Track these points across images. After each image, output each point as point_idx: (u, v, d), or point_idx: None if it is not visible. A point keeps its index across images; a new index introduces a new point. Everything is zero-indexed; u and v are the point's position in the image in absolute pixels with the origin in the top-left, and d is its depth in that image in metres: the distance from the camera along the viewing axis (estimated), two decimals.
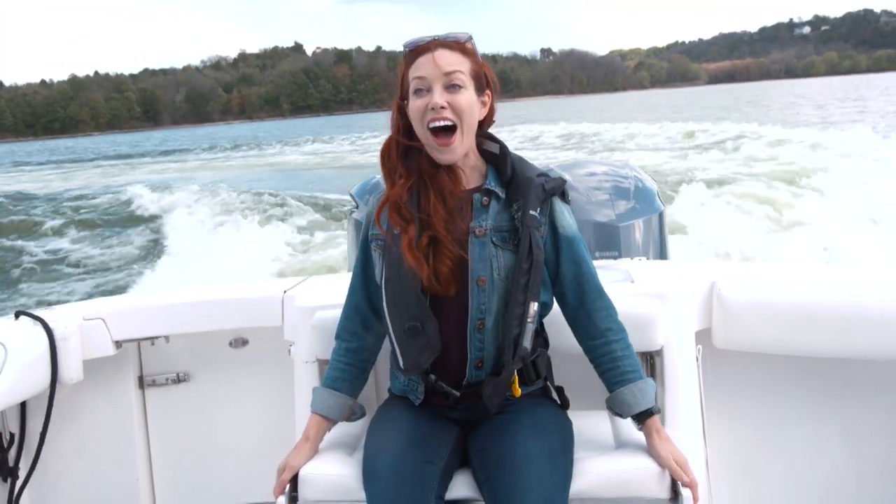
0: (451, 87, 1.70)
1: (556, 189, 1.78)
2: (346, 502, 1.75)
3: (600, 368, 1.81)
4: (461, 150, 1.73)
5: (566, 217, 1.80)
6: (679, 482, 1.71)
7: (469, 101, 1.71)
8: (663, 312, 2.08)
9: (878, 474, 2.36)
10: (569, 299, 1.81)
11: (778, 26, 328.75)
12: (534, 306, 1.71)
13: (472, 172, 1.79)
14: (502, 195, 1.77)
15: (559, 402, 1.91)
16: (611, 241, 3.37)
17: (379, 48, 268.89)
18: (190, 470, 2.77)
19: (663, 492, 1.74)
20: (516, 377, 1.74)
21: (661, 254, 3.56)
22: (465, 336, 1.74)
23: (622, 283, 2.23)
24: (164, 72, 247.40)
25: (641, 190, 3.62)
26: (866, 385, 2.36)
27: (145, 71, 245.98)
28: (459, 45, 1.74)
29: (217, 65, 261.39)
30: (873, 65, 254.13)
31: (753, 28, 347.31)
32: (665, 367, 2.12)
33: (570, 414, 1.90)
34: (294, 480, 1.78)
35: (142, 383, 2.72)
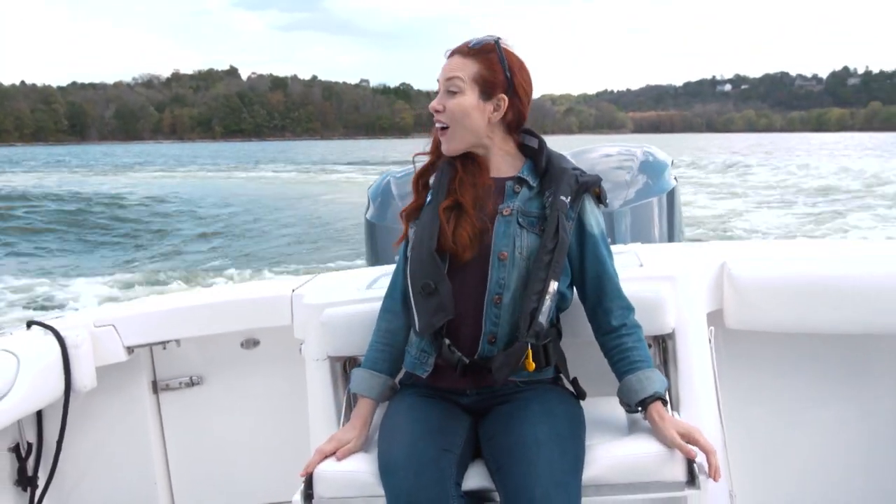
0: (448, 93, 1.84)
1: (590, 184, 1.86)
2: (363, 497, 1.74)
3: (612, 360, 1.87)
4: (455, 146, 1.87)
5: (595, 217, 1.88)
6: (696, 464, 1.69)
7: (461, 106, 1.82)
8: (674, 295, 2.06)
9: None
10: (588, 295, 1.89)
11: (701, 82, 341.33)
12: (553, 285, 1.77)
13: (506, 164, 1.91)
14: (534, 184, 1.87)
15: (574, 392, 1.94)
16: (613, 226, 3.41)
17: (315, 77, 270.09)
18: (207, 472, 2.80)
19: (679, 475, 1.71)
20: (530, 352, 1.77)
21: (672, 233, 3.62)
22: (480, 310, 1.80)
23: (631, 267, 2.22)
24: (93, 86, 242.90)
25: (651, 167, 3.69)
26: (883, 361, 2.34)
27: (73, 84, 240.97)
28: (470, 51, 1.84)
29: (149, 83, 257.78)
30: (787, 125, 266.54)
31: (679, 82, 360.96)
32: (678, 350, 2.10)
33: (585, 402, 1.92)
34: (309, 479, 1.77)
35: (155, 388, 2.74)
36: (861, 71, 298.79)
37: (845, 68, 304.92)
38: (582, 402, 1.91)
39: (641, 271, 2.19)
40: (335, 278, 2.69)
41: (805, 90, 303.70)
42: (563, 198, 1.81)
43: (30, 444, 2.49)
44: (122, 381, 2.63)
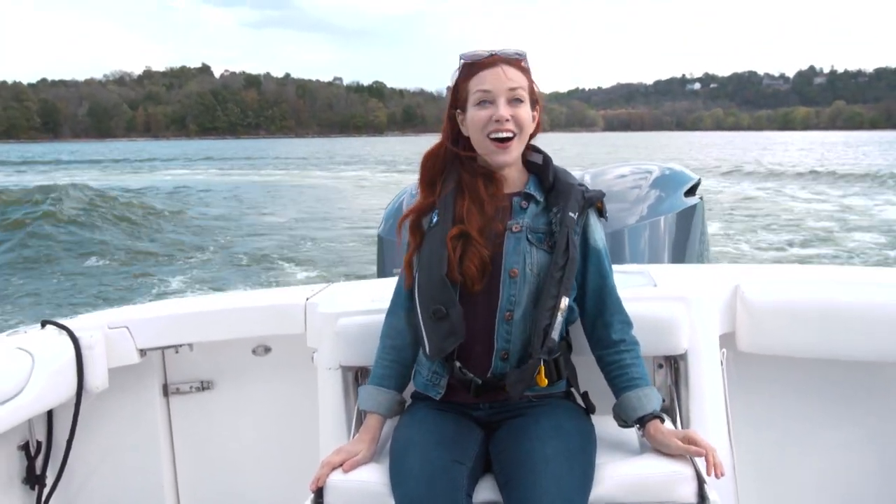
0: (514, 102, 1.83)
1: (594, 199, 1.89)
2: None
3: (609, 375, 1.87)
4: (515, 154, 1.87)
5: (598, 231, 1.90)
6: (705, 485, 1.68)
7: (528, 115, 1.85)
8: (687, 316, 2.05)
9: None
10: (588, 309, 1.89)
11: (671, 80, 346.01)
12: (565, 301, 1.78)
13: (513, 180, 1.91)
14: (541, 199, 1.88)
15: (584, 406, 1.93)
16: (614, 246, 3.30)
17: (288, 75, 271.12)
18: (214, 477, 2.79)
19: (689, 496, 1.69)
20: (542, 368, 1.79)
21: (682, 251, 3.57)
22: (492, 328, 1.80)
23: (645, 287, 2.23)
24: (64, 83, 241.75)
25: (663, 185, 3.64)
26: (892, 388, 2.33)
27: (44, 81, 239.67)
28: (519, 63, 1.87)
29: (121, 80, 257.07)
30: (754, 123, 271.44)
31: (649, 80, 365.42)
32: (689, 372, 2.09)
33: (595, 419, 1.91)
34: (319, 490, 1.76)
35: (166, 391, 2.73)
36: (827, 70, 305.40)
37: (811, 67, 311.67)
38: (593, 418, 1.91)
39: (655, 291, 2.19)
40: (349, 288, 2.70)
41: (772, 89, 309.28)
42: (571, 214, 1.82)
43: (39, 443, 2.51)
44: (133, 384, 2.64)
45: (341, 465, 1.79)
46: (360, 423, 2.07)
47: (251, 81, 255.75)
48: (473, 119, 1.84)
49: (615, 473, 1.72)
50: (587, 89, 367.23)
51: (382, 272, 3.71)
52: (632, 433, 1.91)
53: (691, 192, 3.65)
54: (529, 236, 1.82)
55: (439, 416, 1.85)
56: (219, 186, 33.16)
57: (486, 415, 1.86)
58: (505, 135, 1.82)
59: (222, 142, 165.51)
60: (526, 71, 1.88)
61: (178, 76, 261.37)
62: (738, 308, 2.25)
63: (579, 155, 60.12)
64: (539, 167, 1.93)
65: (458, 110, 1.90)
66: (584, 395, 1.94)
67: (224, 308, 2.62)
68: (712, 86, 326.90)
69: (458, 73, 1.91)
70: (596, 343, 1.90)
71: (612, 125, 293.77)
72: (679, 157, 50.80)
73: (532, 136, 1.90)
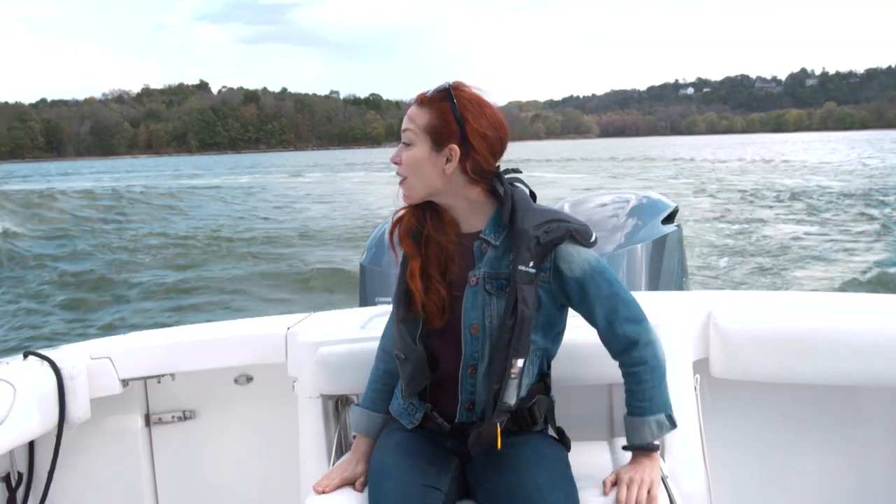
0: (404, 145, 1.80)
1: (558, 240, 1.74)
2: None
3: (626, 387, 1.80)
4: (415, 195, 1.81)
5: (574, 258, 1.76)
6: None
7: (413, 158, 1.77)
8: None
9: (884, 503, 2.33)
10: (601, 329, 1.80)
11: (665, 86, 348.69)
12: (519, 363, 1.71)
13: (472, 217, 1.83)
14: (497, 243, 1.78)
15: (560, 441, 1.90)
16: None
17: (285, 90, 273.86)
18: None
19: None
20: (499, 429, 1.74)
21: (658, 278, 3.58)
22: (458, 377, 1.79)
23: None
24: (65, 102, 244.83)
25: (639, 213, 3.69)
26: (869, 412, 2.34)
27: (43, 101, 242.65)
28: (424, 100, 1.78)
29: (120, 98, 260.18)
30: (747, 126, 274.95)
31: (643, 87, 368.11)
32: None
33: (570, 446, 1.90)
34: None
35: (148, 421, 2.70)
36: (818, 72, 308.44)
37: (803, 70, 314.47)
38: (566, 440, 1.91)
39: None
40: (330, 317, 2.67)
41: (765, 92, 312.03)
42: (522, 267, 1.71)
43: (20, 474, 2.48)
44: (115, 414, 2.62)
45: (344, 483, 1.86)
46: (339, 451, 2.15)
47: (249, 97, 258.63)
48: None
49: (593, 498, 1.72)
50: (581, 96, 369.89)
51: (364, 301, 3.72)
52: (605, 460, 1.93)
53: (669, 219, 3.78)
54: (487, 286, 1.76)
55: (415, 440, 1.85)
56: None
57: (459, 447, 1.84)
58: (399, 178, 1.82)
59: (225, 156, 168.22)
60: (435, 106, 1.77)
61: (177, 93, 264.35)
62: (712, 334, 2.26)
63: (575, 160, 62.61)
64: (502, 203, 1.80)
65: None
66: (560, 431, 1.91)
67: (206, 338, 2.61)
68: (705, 90, 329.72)
69: None
70: (614, 355, 1.81)
71: (608, 131, 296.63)
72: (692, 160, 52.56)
73: (474, 170, 1.77)
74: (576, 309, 1.81)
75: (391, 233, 1.88)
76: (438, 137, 1.76)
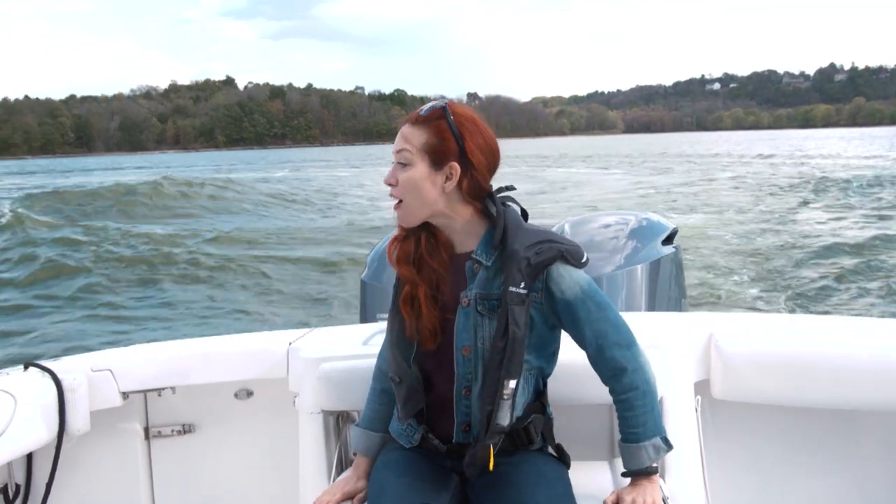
0: (400, 165, 1.76)
1: (549, 261, 1.72)
2: None
3: (617, 413, 1.82)
4: (410, 220, 1.78)
5: (566, 280, 1.74)
6: None
7: (411, 179, 1.74)
8: (661, 364, 2.03)
9: None
10: (590, 353, 1.79)
11: (691, 81, 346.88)
12: (511, 384, 1.71)
13: (465, 237, 1.81)
14: (488, 263, 1.77)
15: (559, 458, 1.89)
16: None
17: (310, 85, 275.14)
18: None
19: None
20: (491, 451, 1.73)
21: (657, 300, 3.59)
22: (452, 399, 1.78)
23: None
24: (94, 98, 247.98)
25: (640, 235, 3.70)
26: (869, 436, 2.34)
27: (72, 97, 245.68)
28: (419, 119, 1.76)
29: (148, 94, 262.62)
30: (774, 122, 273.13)
31: (668, 82, 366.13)
32: (665, 418, 2.05)
33: (570, 466, 1.89)
34: None
35: (148, 434, 2.69)
36: (847, 67, 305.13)
37: (832, 65, 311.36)
38: (566, 460, 1.90)
39: None
40: (331, 333, 2.67)
41: (793, 87, 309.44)
42: (513, 288, 1.70)
43: (18, 486, 2.47)
44: (115, 427, 2.62)
45: (345, 498, 1.88)
46: (340, 467, 2.17)
47: (275, 93, 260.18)
48: None
49: None
50: (606, 92, 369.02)
51: (365, 317, 3.71)
52: (605, 480, 1.95)
53: (668, 240, 3.82)
54: (479, 307, 1.74)
55: (414, 459, 1.84)
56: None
57: (457, 466, 1.83)
58: (393, 200, 1.78)
59: (252, 152, 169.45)
60: (432, 125, 1.74)
61: (203, 89, 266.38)
62: (713, 356, 2.26)
63: (599, 157, 62.78)
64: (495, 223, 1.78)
65: None
66: (559, 448, 1.90)
67: (207, 352, 2.61)
68: (732, 85, 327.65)
69: None
70: (604, 380, 1.81)
71: (632, 127, 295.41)
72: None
73: (470, 190, 1.76)
74: (566, 330, 1.80)
75: (389, 254, 1.86)
76: (437, 156, 1.74)
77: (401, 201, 1.77)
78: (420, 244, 1.81)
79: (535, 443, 1.84)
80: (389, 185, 1.77)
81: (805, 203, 21.03)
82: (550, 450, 1.90)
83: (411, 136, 1.75)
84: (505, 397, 1.71)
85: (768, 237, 15.13)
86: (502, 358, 1.70)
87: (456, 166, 1.74)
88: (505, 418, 1.73)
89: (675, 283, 3.84)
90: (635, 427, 1.77)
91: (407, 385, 1.80)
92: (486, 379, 1.72)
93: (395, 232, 1.82)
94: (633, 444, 1.77)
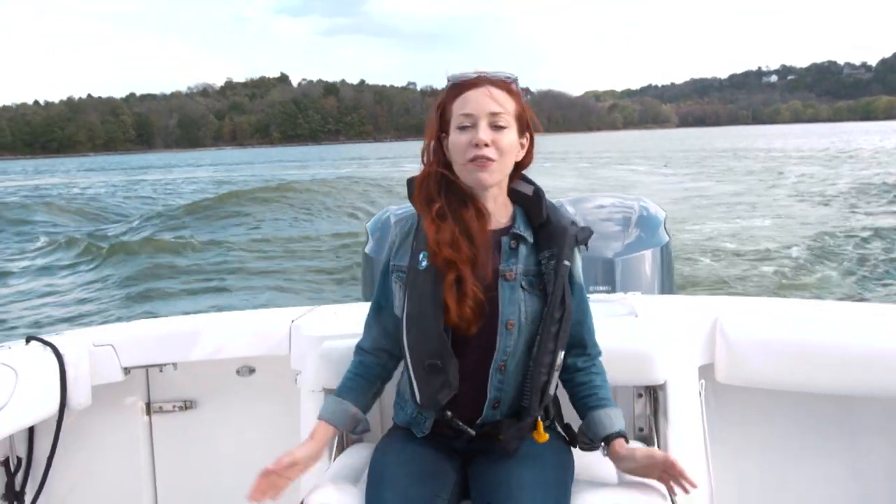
0: (496, 127, 1.71)
1: (584, 241, 1.79)
2: None
3: (578, 395, 1.83)
4: (496, 177, 1.74)
5: (578, 264, 1.80)
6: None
7: (510, 142, 1.72)
8: (666, 347, 2.08)
9: None
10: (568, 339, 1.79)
11: (747, 73, 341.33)
12: (562, 355, 1.73)
13: (499, 213, 1.79)
14: (531, 240, 1.77)
15: (566, 437, 1.88)
16: (607, 276, 3.44)
17: (363, 81, 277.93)
18: (195, 498, 2.76)
19: None
20: (539, 423, 1.74)
21: (664, 286, 3.64)
22: (483, 375, 1.73)
23: (626, 317, 2.26)
24: (153, 97, 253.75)
25: (646, 221, 3.71)
26: (872, 422, 2.35)
27: (132, 95, 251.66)
28: (506, 85, 1.75)
29: (204, 92, 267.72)
30: (834, 115, 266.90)
31: (724, 75, 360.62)
32: (668, 402, 2.10)
33: (576, 450, 1.87)
34: None
35: (149, 410, 2.71)
36: None
37: None
38: (573, 449, 1.88)
39: (635, 321, 2.24)
40: (333, 311, 2.66)
41: (854, 78, 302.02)
42: (566, 262, 1.73)
43: (20, 459, 2.48)
44: (116, 402, 2.63)
45: (277, 471, 1.73)
46: (340, 446, 2.14)
47: (329, 89, 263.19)
48: (455, 143, 1.73)
49: (591, 501, 1.72)
50: (660, 85, 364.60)
51: (368, 293, 3.56)
52: (610, 463, 1.85)
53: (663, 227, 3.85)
54: (523, 282, 1.73)
55: (419, 445, 1.80)
56: None
57: (469, 447, 1.81)
58: (484, 158, 1.70)
59: (306, 148, 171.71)
60: (515, 95, 1.76)
61: (259, 86, 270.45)
62: (717, 340, 2.27)
63: (653, 149, 61.99)
64: (528, 200, 1.80)
65: (444, 133, 1.78)
66: (567, 427, 1.89)
67: (209, 328, 2.61)
68: (790, 77, 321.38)
69: (444, 94, 1.81)
70: (568, 367, 1.83)
71: (687, 121, 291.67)
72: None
73: (522, 165, 1.81)
74: None
75: (432, 233, 1.73)
76: (521, 125, 1.76)
77: (491, 161, 1.71)
78: (461, 218, 1.74)
79: (550, 417, 1.85)
80: (485, 144, 1.70)
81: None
82: (559, 428, 1.90)
83: (504, 102, 1.73)
84: (557, 368, 1.73)
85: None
86: (559, 329, 1.71)
87: (529, 137, 1.79)
88: (552, 390, 1.75)
89: (671, 270, 3.91)
90: (609, 397, 1.82)
91: (450, 371, 1.71)
92: (541, 350, 1.70)
93: (400, 211, 1.70)
94: (616, 408, 1.80)
